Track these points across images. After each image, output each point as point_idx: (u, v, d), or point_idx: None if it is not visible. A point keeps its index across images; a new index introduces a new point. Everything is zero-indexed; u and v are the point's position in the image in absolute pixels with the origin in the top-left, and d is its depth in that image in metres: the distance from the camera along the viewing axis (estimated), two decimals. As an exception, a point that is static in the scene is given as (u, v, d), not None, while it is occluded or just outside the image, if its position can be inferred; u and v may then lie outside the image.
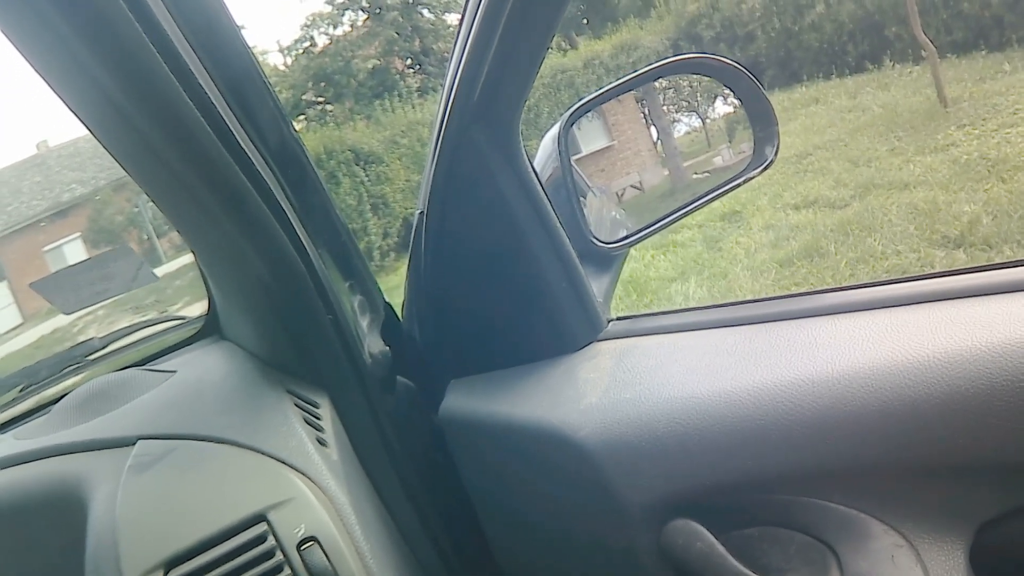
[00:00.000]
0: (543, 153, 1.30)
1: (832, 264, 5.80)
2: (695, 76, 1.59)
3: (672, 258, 7.45)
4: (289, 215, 1.01)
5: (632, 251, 1.47)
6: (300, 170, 1.12)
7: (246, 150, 0.94)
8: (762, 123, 1.29)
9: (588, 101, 1.27)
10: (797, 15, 14.94)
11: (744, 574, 0.87)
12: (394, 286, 1.41)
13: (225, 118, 0.91)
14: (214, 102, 0.89)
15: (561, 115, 1.29)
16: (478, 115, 1.04)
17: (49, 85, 0.88)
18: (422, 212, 1.18)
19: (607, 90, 1.27)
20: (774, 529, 0.91)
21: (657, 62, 1.29)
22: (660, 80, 1.56)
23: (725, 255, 7.05)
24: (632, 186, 1.60)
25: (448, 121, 1.06)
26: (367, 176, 12.97)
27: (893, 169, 7.59)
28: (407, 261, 1.29)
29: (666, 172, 1.74)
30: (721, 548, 0.90)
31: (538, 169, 1.17)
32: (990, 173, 6.44)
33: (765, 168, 1.27)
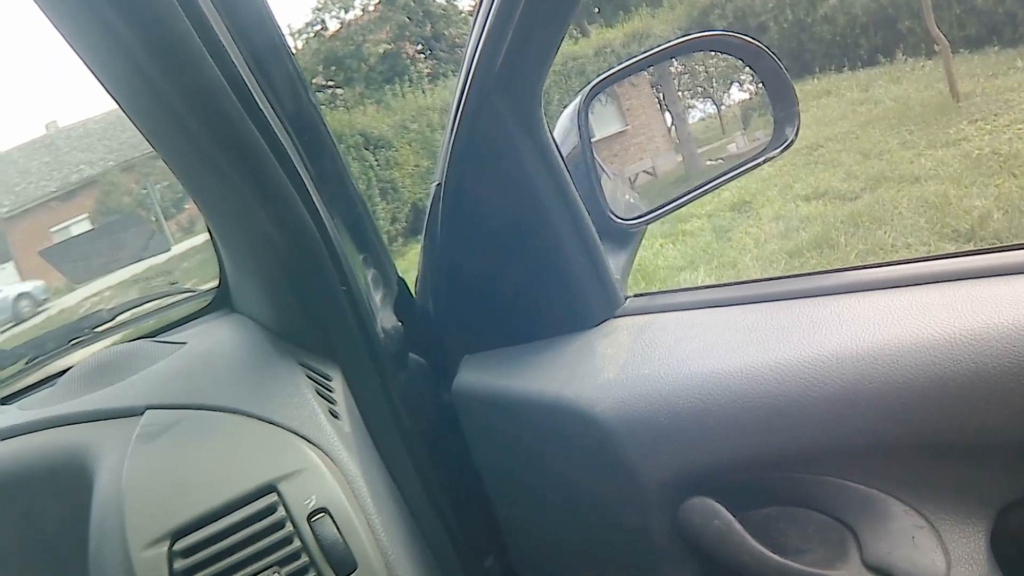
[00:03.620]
0: (560, 131, 1.29)
1: (842, 255, 5.78)
2: (711, 60, 1.57)
3: (681, 247, 7.42)
4: (305, 181, 0.99)
5: (640, 239, 1.45)
6: (317, 137, 1.11)
7: (264, 112, 0.92)
8: (783, 103, 1.27)
9: (610, 75, 1.25)
10: (810, 7, 14.88)
11: (762, 553, 0.86)
12: (403, 270, 1.40)
13: (245, 79, 0.90)
14: (234, 62, 0.88)
15: (580, 91, 1.27)
16: (500, 84, 1.02)
17: (65, 39, 0.86)
18: (439, 184, 1.16)
19: (629, 64, 1.25)
20: (793, 508, 0.90)
21: (679, 38, 1.27)
22: (675, 65, 1.55)
23: (734, 245, 7.03)
24: (645, 171, 1.59)
25: (469, 90, 1.04)
26: (376, 161, 12.95)
27: (904, 162, 7.56)
28: (419, 241, 1.27)
29: (680, 158, 1.73)
30: (739, 526, 0.88)
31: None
32: (1001, 168, 6.40)
33: (785, 148, 1.25)
